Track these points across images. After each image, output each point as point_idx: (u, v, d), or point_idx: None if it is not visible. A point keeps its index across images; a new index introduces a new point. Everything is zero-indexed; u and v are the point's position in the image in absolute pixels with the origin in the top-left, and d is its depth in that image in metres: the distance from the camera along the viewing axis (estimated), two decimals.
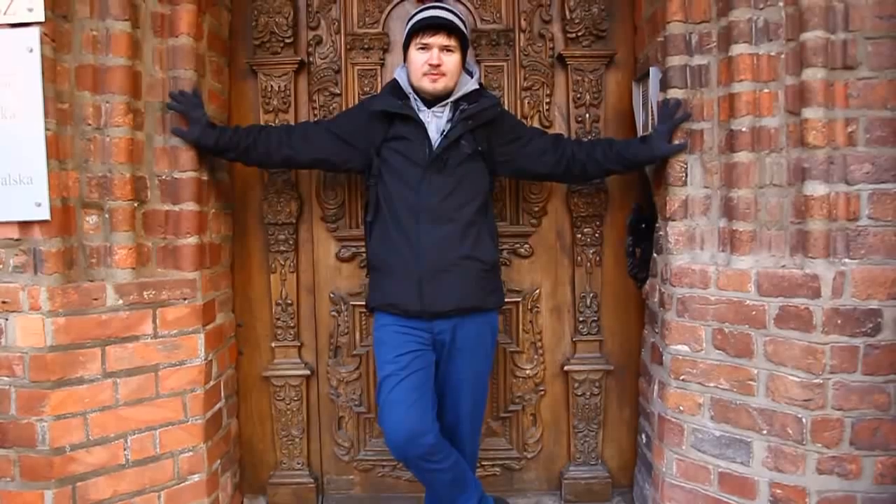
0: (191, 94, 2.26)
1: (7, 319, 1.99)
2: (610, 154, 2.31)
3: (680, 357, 2.23)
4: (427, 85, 2.17)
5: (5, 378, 2.00)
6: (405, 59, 2.26)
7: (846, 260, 1.93)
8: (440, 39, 2.14)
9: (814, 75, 1.92)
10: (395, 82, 2.28)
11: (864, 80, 1.92)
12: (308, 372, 2.73)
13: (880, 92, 1.91)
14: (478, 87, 2.29)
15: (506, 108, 2.66)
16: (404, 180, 2.18)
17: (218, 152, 2.34)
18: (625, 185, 2.70)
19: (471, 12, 2.68)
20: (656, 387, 2.37)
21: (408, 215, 2.16)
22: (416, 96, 2.22)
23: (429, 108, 2.22)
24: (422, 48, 2.15)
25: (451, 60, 2.17)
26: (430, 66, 2.14)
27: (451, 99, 2.21)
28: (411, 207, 2.16)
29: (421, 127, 2.19)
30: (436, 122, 2.21)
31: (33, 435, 2.01)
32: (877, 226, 1.92)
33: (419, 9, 2.26)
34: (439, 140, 2.18)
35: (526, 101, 2.68)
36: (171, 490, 2.27)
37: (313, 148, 2.32)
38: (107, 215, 2.13)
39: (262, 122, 2.62)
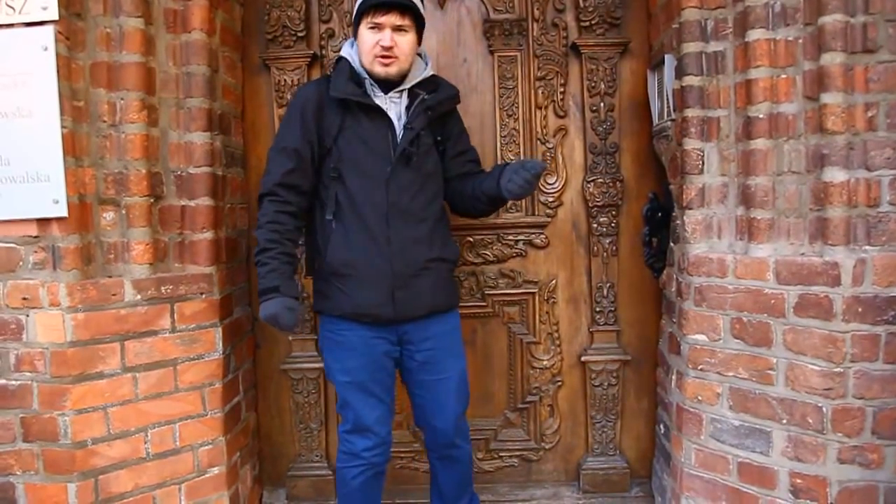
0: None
1: (27, 315, 2.02)
2: (477, 188, 2.17)
3: (698, 346, 2.21)
4: (379, 69, 2.02)
5: (27, 373, 2.03)
6: (354, 37, 2.09)
7: (867, 247, 1.90)
8: (393, 19, 1.98)
9: (832, 60, 1.88)
10: (346, 64, 2.08)
11: (885, 64, 1.88)
12: None
13: None
14: (433, 73, 2.17)
15: (520, 98, 2.65)
16: (369, 176, 2.03)
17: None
18: (641, 174, 2.67)
19: (483, 2, 2.66)
20: (674, 377, 2.35)
21: (375, 215, 2.02)
22: (371, 80, 2.06)
23: (385, 92, 2.07)
24: (373, 28, 1.99)
25: (405, 41, 2.01)
26: (383, 48, 1.98)
27: (408, 85, 2.08)
28: (378, 206, 2.02)
29: (384, 116, 2.05)
30: (395, 110, 2.08)
31: (55, 429, 2.04)
32: None
33: None
34: (402, 131, 2.06)
35: (540, 91, 2.65)
36: (191, 483, 2.30)
37: (308, 178, 2.07)
38: (123, 211, 2.15)
39: (275, 117, 2.63)
